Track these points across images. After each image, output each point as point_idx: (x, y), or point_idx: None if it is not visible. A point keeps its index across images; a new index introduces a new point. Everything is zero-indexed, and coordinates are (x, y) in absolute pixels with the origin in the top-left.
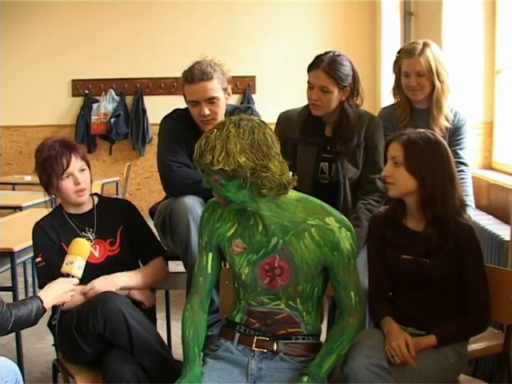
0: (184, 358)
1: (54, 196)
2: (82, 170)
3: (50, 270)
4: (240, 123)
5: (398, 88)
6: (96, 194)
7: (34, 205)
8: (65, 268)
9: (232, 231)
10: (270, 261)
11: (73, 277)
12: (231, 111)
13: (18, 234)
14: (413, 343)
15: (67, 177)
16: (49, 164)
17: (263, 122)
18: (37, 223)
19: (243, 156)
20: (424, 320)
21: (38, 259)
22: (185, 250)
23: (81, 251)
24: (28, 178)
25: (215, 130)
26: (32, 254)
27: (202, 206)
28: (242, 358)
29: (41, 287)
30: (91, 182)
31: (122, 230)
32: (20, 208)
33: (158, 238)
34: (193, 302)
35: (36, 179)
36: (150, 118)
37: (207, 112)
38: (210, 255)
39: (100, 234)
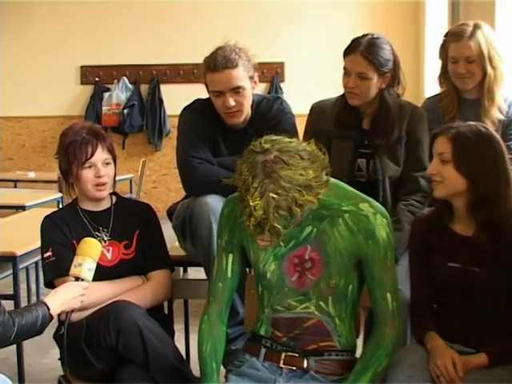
0: (201, 374)
1: (70, 183)
2: (107, 164)
3: (60, 266)
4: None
5: (444, 76)
6: (115, 193)
7: (39, 204)
8: (73, 271)
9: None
10: (300, 252)
11: (82, 280)
12: (258, 102)
13: (20, 236)
14: (461, 362)
15: (89, 167)
16: (72, 150)
17: (281, 159)
18: (47, 216)
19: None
20: (473, 336)
21: (48, 254)
22: (206, 254)
23: (91, 252)
24: (32, 175)
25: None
26: (37, 258)
27: None
28: (268, 375)
29: (47, 285)
30: (115, 178)
31: (139, 234)
32: (23, 208)
33: (177, 242)
34: (210, 313)
35: (41, 176)
36: (167, 108)
37: (232, 103)
38: (231, 257)
39: (115, 236)
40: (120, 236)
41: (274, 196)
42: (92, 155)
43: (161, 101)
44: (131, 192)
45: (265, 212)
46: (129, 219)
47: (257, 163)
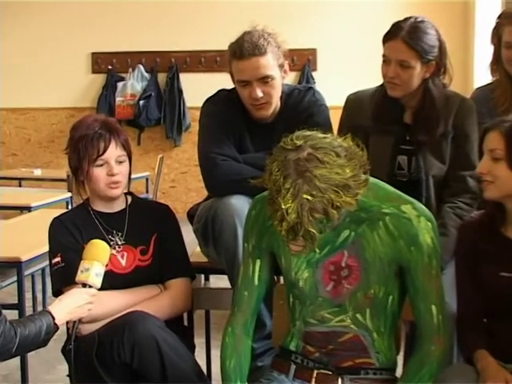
0: None
1: (81, 182)
2: (121, 162)
3: (70, 274)
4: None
5: (497, 63)
6: (130, 193)
7: (46, 205)
8: (80, 277)
9: None
10: (336, 259)
11: (90, 286)
12: (288, 93)
13: (25, 240)
14: None
15: (101, 164)
16: (83, 145)
17: (316, 158)
18: (56, 218)
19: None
20: None
21: (56, 259)
22: (231, 261)
23: (98, 255)
24: (38, 173)
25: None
26: (43, 265)
27: None
28: None
29: (55, 294)
30: (130, 177)
31: (157, 239)
32: (28, 209)
33: (198, 248)
34: (235, 325)
35: (48, 173)
36: (187, 100)
37: (260, 94)
38: (258, 263)
39: (130, 240)
40: (136, 240)
41: (309, 198)
42: (104, 151)
43: (180, 91)
44: (147, 192)
45: (298, 215)
46: (145, 222)
47: (288, 162)
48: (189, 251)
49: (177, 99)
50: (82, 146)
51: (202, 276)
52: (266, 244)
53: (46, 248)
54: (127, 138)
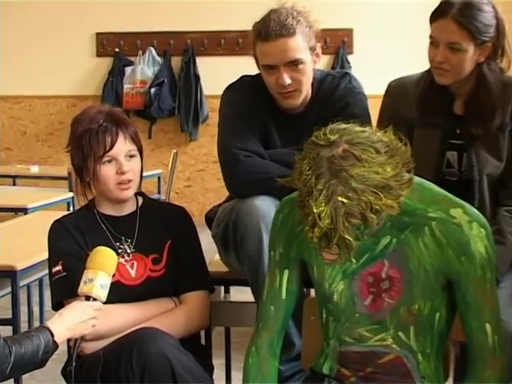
0: None
1: (87, 182)
2: (131, 157)
3: (73, 285)
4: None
5: None
6: (141, 193)
7: (44, 206)
8: (82, 288)
9: None
10: (375, 269)
11: (94, 300)
12: (321, 79)
13: (21, 246)
14: None
15: (109, 161)
16: (86, 141)
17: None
18: (57, 221)
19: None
20: None
21: (57, 268)
22: (254, 271)
23: (104, 264)
24: (35, 170)
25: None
26: (41, 274)
27: None
28: None
29: (56, 307)
30: (141, 175)
31: (171, 246)
32: (24, 210)
33: (217, 255)
34: (259, 344)
35: (46, 170)
36: (205, 87)
37: (288, 81)
38: (286, 274)
39: (141, 247)
40: (147, 248)
41: (344, 200)
42: (112, 147)
43: (197, 77)
44: (159, 192)
45: (332, 221)
46: (158, 227)
47: (321, 159)
48: (207, 259)
49: (193, 86)
50: (86, 142)
51: (222, 288)
52: (295, 252)
53: (45, 255)
54: (136, 131)
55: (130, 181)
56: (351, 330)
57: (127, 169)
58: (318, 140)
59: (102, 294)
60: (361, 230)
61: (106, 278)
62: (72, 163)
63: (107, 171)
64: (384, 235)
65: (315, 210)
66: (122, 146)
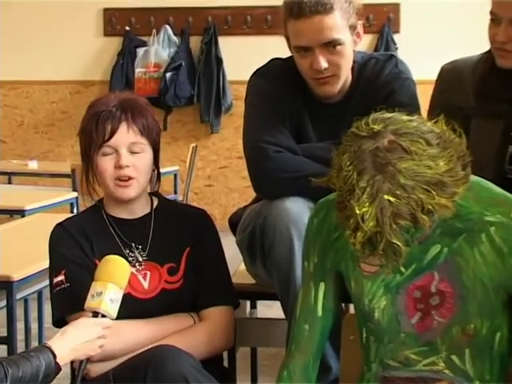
0: None
1: (93, 177)
2: (136, 153)
3: (77, 297)
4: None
5: None
6: (156, 193)
7: (44, 208)
8: (90, 303)
9: None
10: (423, 283)
11: (103, 316)
12: (362, 63)
13: (17, 253)
14: None
15: (109, 153)
16: (90, 127)
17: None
18: (59, 224)
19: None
20: None
21: (59, 278)
22: (285, 283)
23: (114, 275)
24: (33, 166)
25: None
26: (40, 286)
27: None
28: None
29: (57, 323)
30: (158, 174)
31: (190, 254)
32: (21, 213)
33: (242, 265)
34: (292, 368)
35: (47, 167)
36: (228, 72)
37: (324, 65)
38: (322, 287)
39: (155, 255)
40: (162, 256)
41: (391, 199)
42: (111, 135)
43: (219, 60)
44: (175, 192)
45: (378, 223)
46: (176, 232)
47: (364, 153)
48: (230, 270)
49: (215, 71)
50: (90, 130)
51: (248, 303)
52: (332, 262)
53: (45, 264)
54: (151, 122)
55: (130, 178)
56: (396, 353)
57: (126, 162)
58: (359, 131)
59: (112, 309)
60: (410, 234)
61: (116, 292)
62: (80, 150)
63: (104, 164)
64: (433, 243)
65: (358, 211)
66: (124, 136)
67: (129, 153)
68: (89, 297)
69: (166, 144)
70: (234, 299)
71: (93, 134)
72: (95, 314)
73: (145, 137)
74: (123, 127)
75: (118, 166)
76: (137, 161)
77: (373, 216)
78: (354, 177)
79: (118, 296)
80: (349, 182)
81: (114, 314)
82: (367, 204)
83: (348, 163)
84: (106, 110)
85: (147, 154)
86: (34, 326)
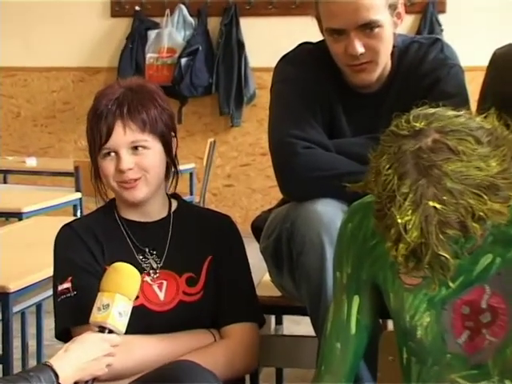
0: None
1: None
2: (136, 148)
3: (85, 306)
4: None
5: None
6: (175, 195)
7: (44, 210)
8: (96, 317)
9: None
10: (473, 297)
11: (110, 331)
12: (404, 48)
13: (14, 261)
14: None
15: (109, 154)
16: (91, 127)
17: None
18: (66, 225)
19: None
20: None
21: (65, 286)
22: (315, 296)
23: (123, 286)
24: (32, 163)
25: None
26: (40, 297)
27: None
28: None
29: (62, 336)
30: (177, 172)
31: (211, 263)
32: (18, 216)
33: (267, 275)
34: None
35: (47, 164)
36: (251, 57)
37: (360, 50)
38: (356, 301)
39: (172, 263)
40: (180, 265)
41: (437, 206)
42: (108, 137)
43: (241, 45)
44: (191, 193)
45: (423, 233)
46: (196, 238)
47: (405, 154)
48: (254, 281)
49: (236, 56)
50: (91, 131)
51: (273, 318)
52: (368, 273)
53: (44, 273)
54: (154, 113)
55: (136, 179)
56: (441, 376)
57: (127, 165)
58: (399, 130)
59: (121, 324)
60: (460, 245)
61: (125, 304)
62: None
63: (107, 167)
64: (484, 253)
65: (400, 221)
66: (120, 136)
67: (131, 152)
68: (94, 309)
69: (181, 139)
70: (260, 315)
71: (92, 134)
72: (102, 329)
73: (147, 132)
74: (118, 127)
75: (120, 170)
76: (141, 160)
77: (417, 225)
78: (395, 182)
79: (127, 309)
80: (388, 188)
81: (123, 329)
82: (410, 212)
83: (387, 166)
84: (104, 106)
85: (154, 150)
86: (32, 343)
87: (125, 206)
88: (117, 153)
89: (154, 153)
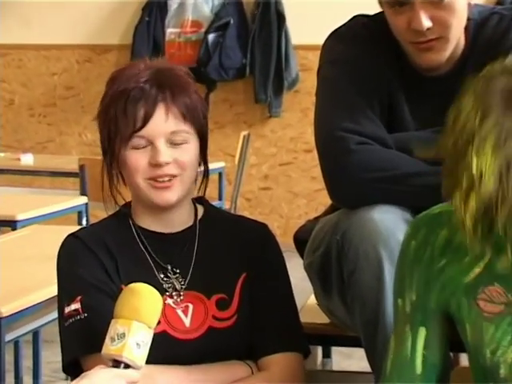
0: None
1: (117, 175)
2: (179, 144)
3: (97, 331)
4: None
5: None
6: (201, 199)
7: (43, 218)
8: (109, 349)
9: (478, 271)
10: None
11: (127, 366)
12: (480, 21)
13: (8, 279)
14: None
15: (141, 146)
16: (115, 110)
17: None
18: (73, 235)
19: None
20: None
21: (73, 307)
22: (371, 324)
23: (142, 311)
24: (28, 160)
25: None
26: (37, 324)
27: None
28: None
29: (68, 368)
30: (207, 171)
31: (246, 283)
32: (12, 224)
33: (312, 297)
34: None
35: (46, 162)
36: (293, 33)
37: (427, 24)
38: (423, 333)
39: (199, 283)
40: (209, 284)
41: None
42: (145, 123)
43: (281, 17)
44: (220, 197)
45: (501, 182)
46: (227, 253)
47: (493, 91)
48: (296, 302)
49: (275, 32)
50: (114, 115)
51: (319, 350)
52: (437, 300)
53: (42, 295)
54: (196, 100)
55: (172, 177)
56: None
57: (166, 158)
58: (487, 72)
59: (139, 357)
60: None
61: (144, 333)
62: (100, 142)
63: (136, 160)
64: None
65: (474, 164)
66: (162, 123)
67: (168, 144)
68: (107, 340)
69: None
70: (304, 344)
71: (119, 121)
72: (117, 364)
73: (189, 122)
74: (160, 111)
75: (155, 164)
76: (180, 155)
77: (494, 171)
78: (477, 121)
79: (147, 338)
80: (468, 128)
81: (142, 363)
82: (489, 155)
83: (470, 104)
84: (136, 87)
85: (192, 145)
86: (28, 379)
87: (145, 212)
88: (152, 143)
89: (192, 147)
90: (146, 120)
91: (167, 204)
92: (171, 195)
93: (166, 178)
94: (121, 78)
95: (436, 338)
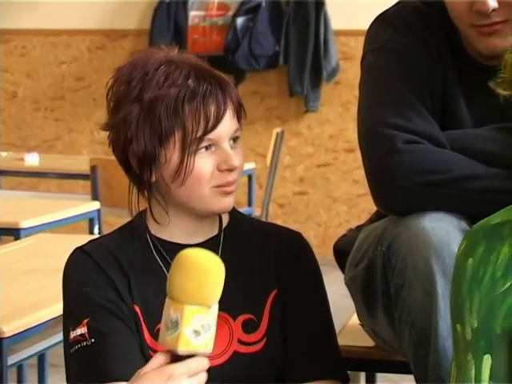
0: None
1: (151, 184)
2: (235, 140)
3: (105, 359)
4: None
5: None
6: None
7: (49, 225)
8: (165, 339)
9: None
10: None
11: (189, 356)
12: None
13: (10, 295)
14: None
15: (206, 148)
16: (170, 110)
17: None
18: (80, 249)
19: None
20: None
21: (79, 331)
22: (421, 346)
23: (194, 292)
24: (33, 161)
25: None
26: (43, 346)
27: None
28: None
29: None
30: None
31: (276, 300)
32: (15, 233)
33: (354, 317)
34: None
35: (53, 163)
36: (333, 17)
37: (492, 4)
38: (488, 362)
39: (223, 302)
40: (235, 304)
41: None
42: (216, 124)
43: (319, 1)
44: (249, 203)
45: None
46: (255, 266)
47: None
48: (336, 324)
49: (312, 16)
50: (169, 112)
51: (362, 376)
52: (503, 325)
53: (48, 313)
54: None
55: (235, 182)
56: None
57: (236, 163)
58: None
59: (201, 344)
60: None
61: (202, 317)
62: (117, 149)
63: (206, 165)
64: None
65: None
66: (229, 123)
67: (232, 145)
68: (162, 325)
69: None
70: (343, 370)
71: (186, 121)
72: (176, 358)
73: (237, 119)
74: (229, 110)
75: (226, 168)
76: (239, 156)
77: None
78: None
79: (207, 320)
80: None
81: (207, 349)
82: None
83: None
84: (197, 87)
85: (241, 144)
86: None
87: (177, 222)
88: (217, 145)
89: (242, 149)
90: (218, 120)
91: (226, 211)
92: (232, 201)
93: (232, 184)
94: (149, 64)
95: (503, 366)
